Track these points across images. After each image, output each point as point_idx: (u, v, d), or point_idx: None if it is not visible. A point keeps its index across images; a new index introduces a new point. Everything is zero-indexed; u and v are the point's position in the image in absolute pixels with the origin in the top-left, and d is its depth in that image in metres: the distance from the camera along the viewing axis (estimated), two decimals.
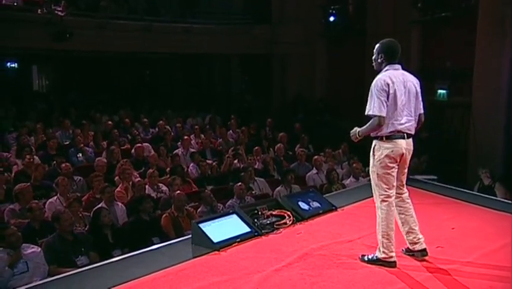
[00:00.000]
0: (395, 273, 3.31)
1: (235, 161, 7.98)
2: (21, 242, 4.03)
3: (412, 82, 3.38)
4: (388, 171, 3.31)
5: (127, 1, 13.54)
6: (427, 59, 9.79)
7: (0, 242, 3.95)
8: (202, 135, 9.56)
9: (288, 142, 9.37)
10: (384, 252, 3.35)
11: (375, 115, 3.23)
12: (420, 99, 3.43)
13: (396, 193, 3.43)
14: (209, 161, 7.88)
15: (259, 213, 4.23)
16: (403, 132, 3.31)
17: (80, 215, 5.16)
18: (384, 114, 3.21)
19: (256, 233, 3.94)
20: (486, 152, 8.08)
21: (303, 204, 4.54)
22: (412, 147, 3.40)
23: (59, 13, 10.36)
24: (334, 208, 4.68)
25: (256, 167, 7.77)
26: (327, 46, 12.61)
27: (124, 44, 11.63)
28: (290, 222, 4.20)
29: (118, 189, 6.10)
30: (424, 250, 3.47)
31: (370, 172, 3.46)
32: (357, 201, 4.91)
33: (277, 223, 4.15)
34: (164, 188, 6.39)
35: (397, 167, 3.35)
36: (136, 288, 3.12)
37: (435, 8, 9.11)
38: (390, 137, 3.29)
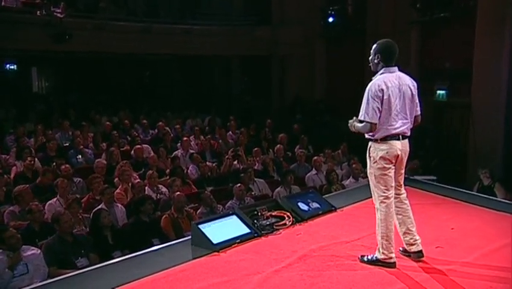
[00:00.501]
0: (395, 273, 3.31)
1: (235, 162, 7.98)
2: (21, 244, 4.03)
3: (408, 85, 3.37)
4: (385, 172, 3.32)
5: (126, 2, 13.55)
6: (426, 60, 9.80)
7: (0, 245, 3.95)
8: (202, 136, 9.56)
9: (287, 143, 9.37)
10: (383, 253, 3.35)
11: (367, 122, 3.25)
12: (417, 101, 3.43)
13: (394, 193, 3.43)
14: (209, 163, 7.87)
15: (259, 214, 4.23)
16: (399, 134, 3.32)
17: (80, 216, 5.16)
18: (375, 121, 3.24)
19: (255, 234, 3.94)
20: (485, 152, 8.09)
21: (303, 205, 4.54)
22: (408, 148, 3.41)
23: (59, 15, 10.38)
24: (333, 208, 4.68)
25: (255, 168, 7.78)
26: (326, 47, 12.64)
27: (123, 46, 11.63)
28: (290, 223, 4.20)
29: (117, 190, 6.09)
30: (420, 251, 3.48)
31: (368, 174, 3.48)
32: (356, 202, 4.90)
33: (276, 223, 4.15)
34: (164, 189, 6.39)
35: (393, 167, 3.35)
36: None
37: (434, 9, 9.13)
38: (384, 139, 3.30)
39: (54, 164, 7.01)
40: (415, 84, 3.43)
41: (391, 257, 3.35)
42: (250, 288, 3.12)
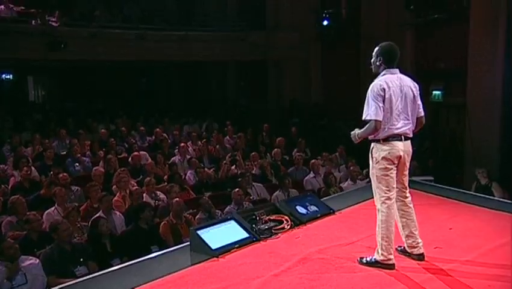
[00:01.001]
0: (394, 274, 3.31)
1: (233, 167, 7.98)
2: (19, 255, 4.01)
3: (410, 86, 3.40)
4: (387, 172, 3.33)
5: (121, 10, 13.60)
6: (421, 61, 9.85)
7: None
8: (199, 142, 9.56)
9: (285, 147, 9.38)
10: (382, 254, 3.35)
11: (371, 120, 3.27)
12: (419, 102, 3.46)
13: (399, 196, 3.45)
14: (207, 170, 7.86)
15: (257, 218, 4.22)
16: (401, 135, 3.34)
17: (78, 225, 5.14)
18: (380, 118, 3.25)
19: (254, 239, 3.93)
20: (482, 151, 8.12)
21: (301, 208, 4.53)
22: (410, 149, 3.42)
23: (54, 23, 10.40)
24: (331, 211, 4.67)
25: (253, 172, 7.78)
26: (321, 50, 12.68)
27: (119, 53, 11.67)
28: (288, 226, 4.19)
29: (116, 198, 6.08)
30: (422, 254, 3.49)
31: (370, 175, 3.49)
32: (355, 204, 4.90)
33: (275, 227, 4.15)
34: (162, 195, 6.38)
35: (395, 168, 3.37)
36: None
37: (428, 10, 9.18)
38: (386, 139, 3.32)
39: (51, 173, 7.00)
40: (417, 86, 3.46)
41: (390, 259, 3.35)
42: None
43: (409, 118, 3.38)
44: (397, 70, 3.41)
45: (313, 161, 7.91)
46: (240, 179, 6.78)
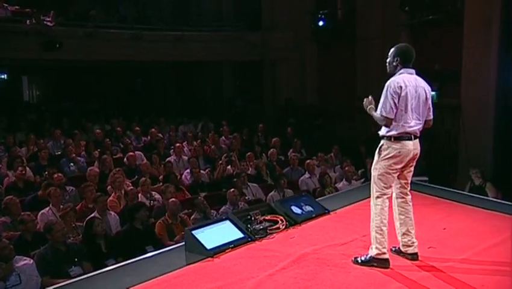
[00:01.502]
0: (388, 273, 3.33)
1: (228, 167, 7.98)
2: (13, 255, 4.00)
3: (424, 88, 3.46)
4: (390, 171, 3.38)
5: (117, 10, 13.56)
6: (416, 62, 9.81)
7: None
8: (195, 142, 9.55)
9: (280, 147, 9.39)
10: (376, 248, 3.38)
11: (383, 116, 3.32)
12: (430, 105, 3.51)
13: (401, 193, 3.54)
14: (203, 171, 7.86)
15: (252, 218, 4.23)
16: (411, 134, 3.39)
17: (73, 225, 5.13)
18: (391, 116, 3.31)
19: (249, 239, 3.94)
20: (476, 152, 8.16)
21: (296, 208, 4.55)
22: (419, 148, 3.48)
23: (48, 23, 10.35)
24: (326, 211, 4.69)
25: (249, 172, 7.78)
26: (317, 51, 12.69)
27: (114, 53, 11.61)
28: (283, 227, 4.21)
29: (110, 198, 6.07)
30: (416, 254, 3.53)
31: (372, 169, 3.52)
32: (350, 204, 4.91)
33: (270, 228, 4.16)
34: (157, 196, 6.37)
35: (400, 169, 3.43)
36: None
37: (423, 11, 9.22)
38: (398, 138, 3.37)
39: (46, 173, 6.97)
40: (429, 88, 3.52)
41: (384, 253, 3.38)
42: None
43: (420, 119, 3.44)
44: (413, 71, 3.48)
45: (308, 161, 7.93)
46: (235, 179, 6.78)
